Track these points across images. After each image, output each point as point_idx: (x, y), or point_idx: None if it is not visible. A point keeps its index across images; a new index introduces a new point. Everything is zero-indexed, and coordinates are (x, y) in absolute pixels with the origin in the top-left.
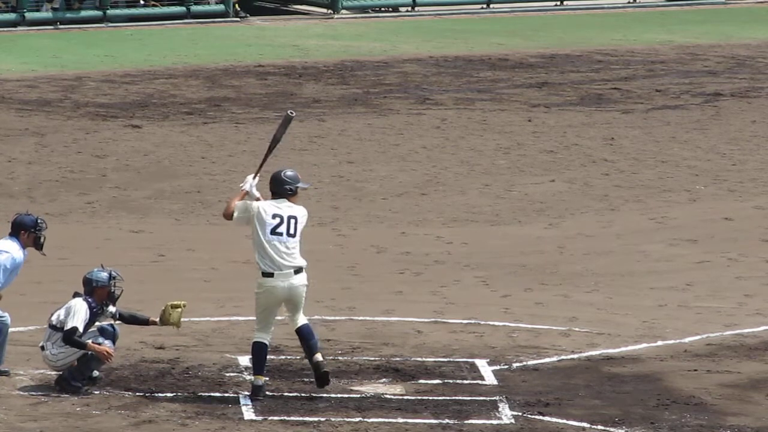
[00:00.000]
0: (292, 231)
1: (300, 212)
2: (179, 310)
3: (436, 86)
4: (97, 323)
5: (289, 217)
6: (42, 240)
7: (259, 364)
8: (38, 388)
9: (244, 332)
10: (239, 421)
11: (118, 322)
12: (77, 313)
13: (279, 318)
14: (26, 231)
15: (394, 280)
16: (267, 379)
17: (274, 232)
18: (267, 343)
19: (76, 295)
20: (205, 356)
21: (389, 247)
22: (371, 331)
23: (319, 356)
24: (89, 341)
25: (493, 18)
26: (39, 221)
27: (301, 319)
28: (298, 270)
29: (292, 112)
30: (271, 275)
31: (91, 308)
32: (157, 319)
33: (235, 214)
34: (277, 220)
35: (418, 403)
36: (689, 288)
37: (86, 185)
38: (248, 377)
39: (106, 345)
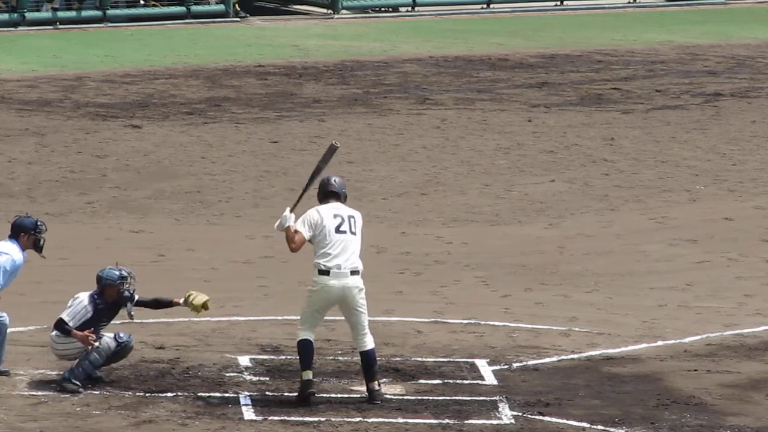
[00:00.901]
0: (354, 229)
1: (356, 213)
2: (202, 301)
3: (436, 86)
4: (114, 321)
5: (349, 216)
6: (42, 242)
7: (306, 360)
8: (38, 388)
9: (244, 332)
10: (239, 421)
11: (137, 321)
12: (73, 307)
13: (279, 318)
14: (26, 233)
15: (394, 280)
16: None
17: (338, 230)
18: (312, 340)
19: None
20: (205, 356)
21: (389, 247)
22: (371, 331)
23: (375, 384)
24: (74, 329)
25: (493, 18)
26: (39, 223)
27: (369, 342)
28: (354, 272)
29: (336, 143)
30: (327, 273)
31: (95, 305)
32: (181, 300)
33: (306, 235)
34: (339, 219)
35: (418, 403)
36: (689, 288)
37: (86, 185)
38: (248, 377)
39: (88, 331)
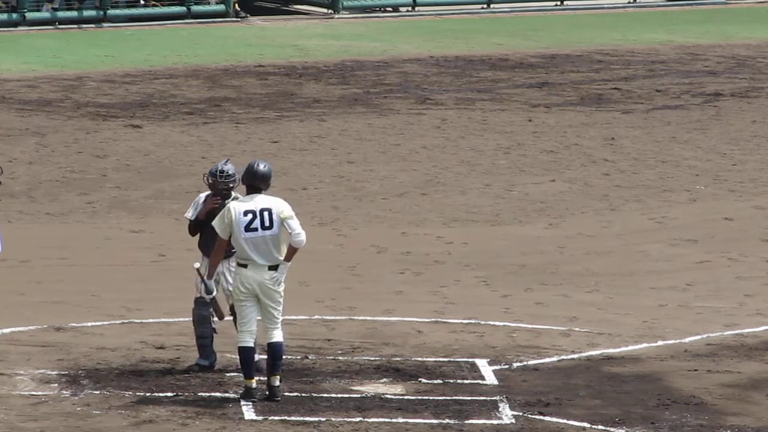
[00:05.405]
0: (267, 224)
1: (275, 203)
2: None
3: (437, 86)
4: None
5: (262, 210)
6: None
7: (248, 368)
8: (38, 388)
9: None
10: (239, 421)
11: None
12: None
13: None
14: None
15: (394, 280)
16: (257, 379)
17: (248, 229)
18: (252, 345)
19: None
20: None
21: (389, 247)
22: (371, 330)
23: (276, 380)
24: None
25: (493, 18)
26: None
27: (277, 335)
28: (272, 267)
29: None
30: (245, 266)
31: None
32: None
33: (219, 230)
34: (250, 216)
35: (418, 403)
36: (689, 288)
37: (86, 185)
38: None
39: None
